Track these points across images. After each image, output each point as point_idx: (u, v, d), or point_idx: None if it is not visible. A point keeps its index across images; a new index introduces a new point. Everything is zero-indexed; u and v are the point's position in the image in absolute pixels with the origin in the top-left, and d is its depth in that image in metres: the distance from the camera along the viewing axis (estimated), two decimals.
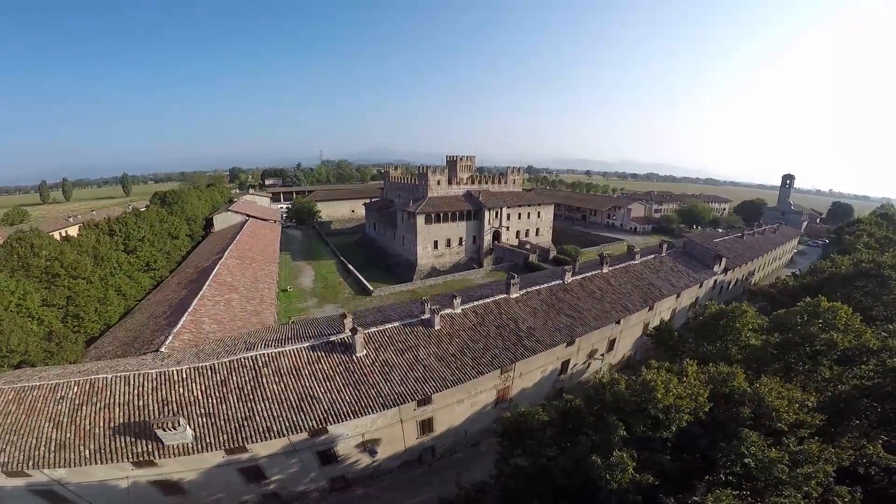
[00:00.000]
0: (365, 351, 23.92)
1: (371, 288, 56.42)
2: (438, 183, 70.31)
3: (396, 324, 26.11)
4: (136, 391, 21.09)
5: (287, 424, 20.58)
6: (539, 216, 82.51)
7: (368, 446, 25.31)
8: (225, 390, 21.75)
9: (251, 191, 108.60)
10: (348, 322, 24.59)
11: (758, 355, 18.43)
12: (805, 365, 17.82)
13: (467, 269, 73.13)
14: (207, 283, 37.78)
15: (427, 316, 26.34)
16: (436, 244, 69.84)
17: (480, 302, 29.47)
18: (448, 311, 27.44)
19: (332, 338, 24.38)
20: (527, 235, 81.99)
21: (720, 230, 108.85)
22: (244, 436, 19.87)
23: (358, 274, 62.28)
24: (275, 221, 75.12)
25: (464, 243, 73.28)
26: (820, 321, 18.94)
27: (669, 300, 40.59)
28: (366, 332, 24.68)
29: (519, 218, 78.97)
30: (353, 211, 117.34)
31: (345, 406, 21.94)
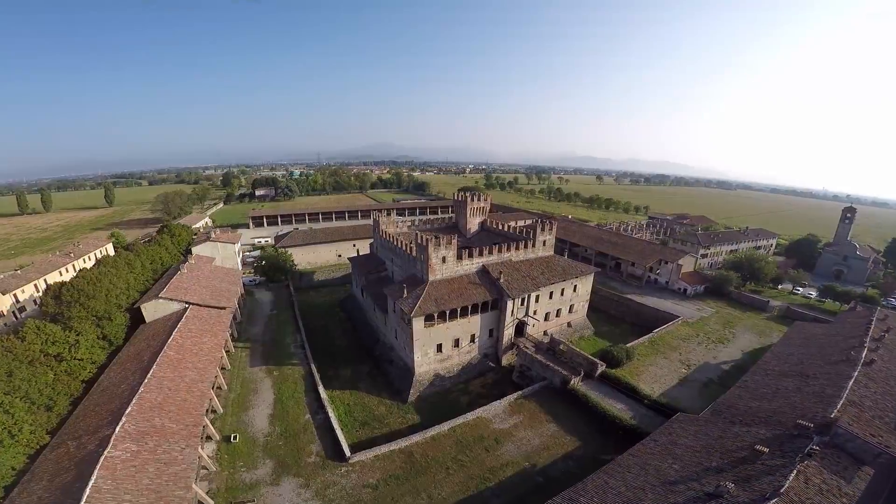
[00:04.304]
0: None
1: (348, 453, 38.14)
2: (443, 260, 51.80)
3: None
4: None
5: None
6: (575, 290, 63.87)
7: None
8: None
9: (215, 232, 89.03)
10: None
11: None
12: None
13: (480, 371, 55.26)
14: None
15: None
16: (439, 347, 51.65)
17: None
18: None
19: None
20: (558, 315, 63.55)
21: (788, 286, 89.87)
22: None
23: (331, 417, 43.60)
24: (224, 308, 56.36)
25: (477, 340, 54.97)
26: None
27: None
28: None
29: (550, 297, 60.35)
30: (339, 256, 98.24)
31: None
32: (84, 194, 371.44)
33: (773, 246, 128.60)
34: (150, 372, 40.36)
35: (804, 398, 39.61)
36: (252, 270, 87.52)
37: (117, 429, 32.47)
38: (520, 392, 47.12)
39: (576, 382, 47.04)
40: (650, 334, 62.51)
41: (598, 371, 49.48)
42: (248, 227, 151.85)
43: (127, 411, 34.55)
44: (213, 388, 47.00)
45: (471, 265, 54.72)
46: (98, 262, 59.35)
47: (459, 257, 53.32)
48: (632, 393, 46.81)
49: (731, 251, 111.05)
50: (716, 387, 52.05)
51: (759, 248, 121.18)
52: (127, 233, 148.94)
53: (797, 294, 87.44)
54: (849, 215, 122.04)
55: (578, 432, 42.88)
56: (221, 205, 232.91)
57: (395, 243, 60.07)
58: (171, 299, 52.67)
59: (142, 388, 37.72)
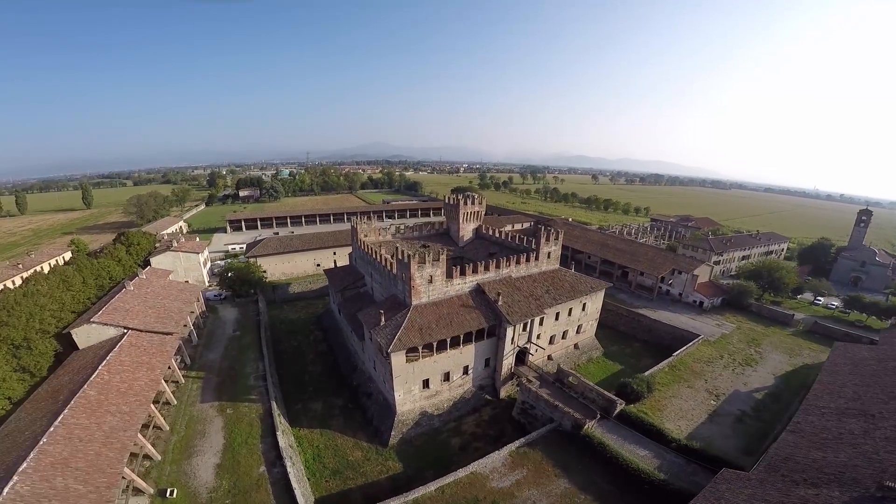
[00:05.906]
0: None
1: None
2: (430, 280, 43.29)
3: None
4: None
5: None
6: (584, 308, 55.89)
7: None
8: None
9: (179, 240, 79.50)
10: None
11: None
12: None
13: (475, 405, 47.02)
14: None
15: None
16: (426, 383, 43.26)
17: None
18: None
19: None
20: (564, 337, 55.56)
21: (809, 296, 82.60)
22: None
23: (290, 473, 34.78)
24: (171, 333, 47.05)
25: (471, 371, 46.68)
26: None
27: None
28: None
29: (556, 319, 52.24)
30: (318, 265, 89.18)
31: None
32: (64, 195, 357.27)
33: (784, 251, 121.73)
34: (59, 418, 31.97)
35: (877, 445, 31.78)
36: (217, 283, 78.07)
37: (5, 490, 24.98)
38: (522, 439, 38.73)
39: (591, 426, 38.83)
40: (670, 358, 54.51)
41: (616, 410, 41.31)
42: (226, 232, 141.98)
43: (21, 468, 26.57)
44: (150, 429, 38.65)
45: (463, 284, 46.31)
46: (25, 280, 50.09)
47: (450, 275, 44.90)
48: (656, 434, 38.82)
49: (743, 257, 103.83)
50: (751, 421, 44.70)
51: (771, 252, 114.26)
52: (99, 237, 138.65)
53: (818, 305, 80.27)
54: (864, 218, 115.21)
55: (595, 489, 34.80)
56: (203, 206, 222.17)
57: (374, 257, 51.38)
58: (106, 324, 43.72)
59: (44, 439, 29.67)
